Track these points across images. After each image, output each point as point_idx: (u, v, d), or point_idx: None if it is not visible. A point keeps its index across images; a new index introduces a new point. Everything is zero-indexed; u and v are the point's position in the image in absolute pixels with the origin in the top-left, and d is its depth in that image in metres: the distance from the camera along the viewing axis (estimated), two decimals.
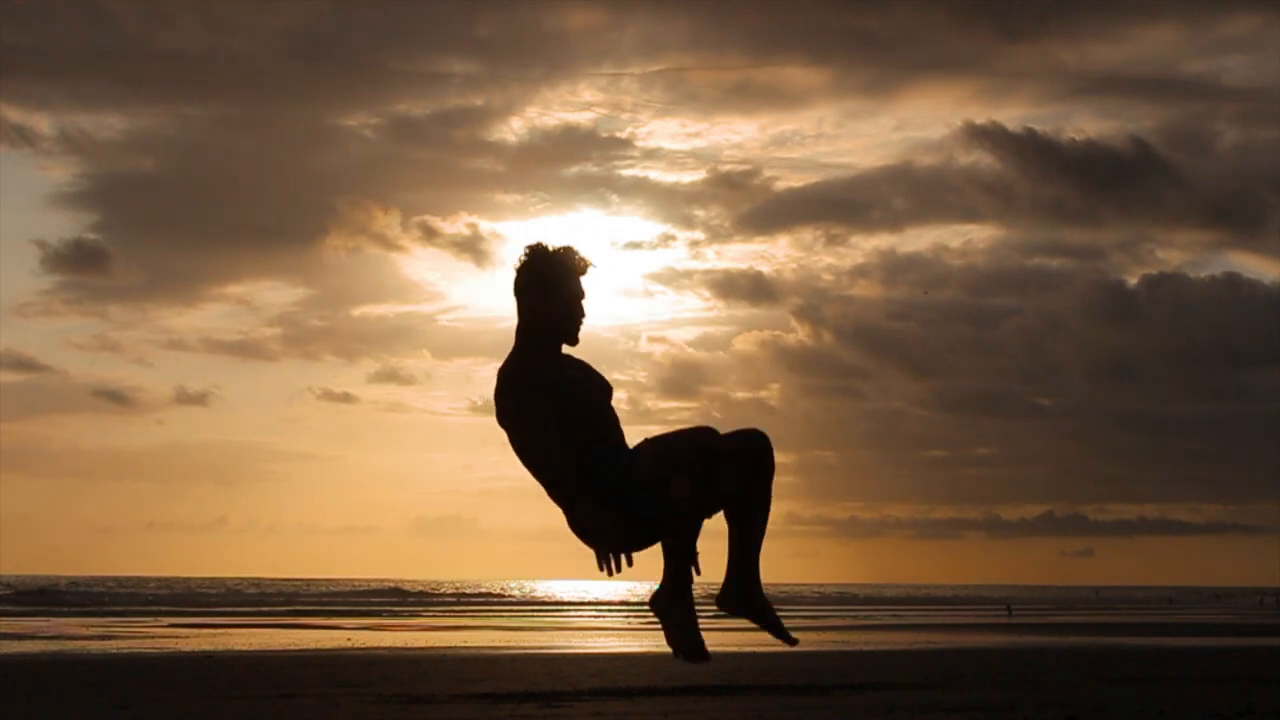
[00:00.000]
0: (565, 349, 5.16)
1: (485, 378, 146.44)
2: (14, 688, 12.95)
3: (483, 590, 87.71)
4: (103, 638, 26.00)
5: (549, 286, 5.07)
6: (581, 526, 4.96)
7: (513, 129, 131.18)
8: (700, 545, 5.03)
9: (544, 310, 5.09)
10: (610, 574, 4.91)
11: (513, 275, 5.13)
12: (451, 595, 74.03)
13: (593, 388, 5.12)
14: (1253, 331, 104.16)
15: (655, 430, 5.19)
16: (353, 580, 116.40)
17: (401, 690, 12.17)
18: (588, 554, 5.04)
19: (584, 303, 5.13)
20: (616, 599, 67.15)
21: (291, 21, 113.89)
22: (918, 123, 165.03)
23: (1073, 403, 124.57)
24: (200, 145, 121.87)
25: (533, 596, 78.50)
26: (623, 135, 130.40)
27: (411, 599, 66.15)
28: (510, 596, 75.60)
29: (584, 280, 5.12)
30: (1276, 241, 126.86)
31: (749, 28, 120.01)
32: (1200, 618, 47.87)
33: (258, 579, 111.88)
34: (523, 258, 5.11)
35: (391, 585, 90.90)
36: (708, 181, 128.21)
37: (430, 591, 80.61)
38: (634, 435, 5.26)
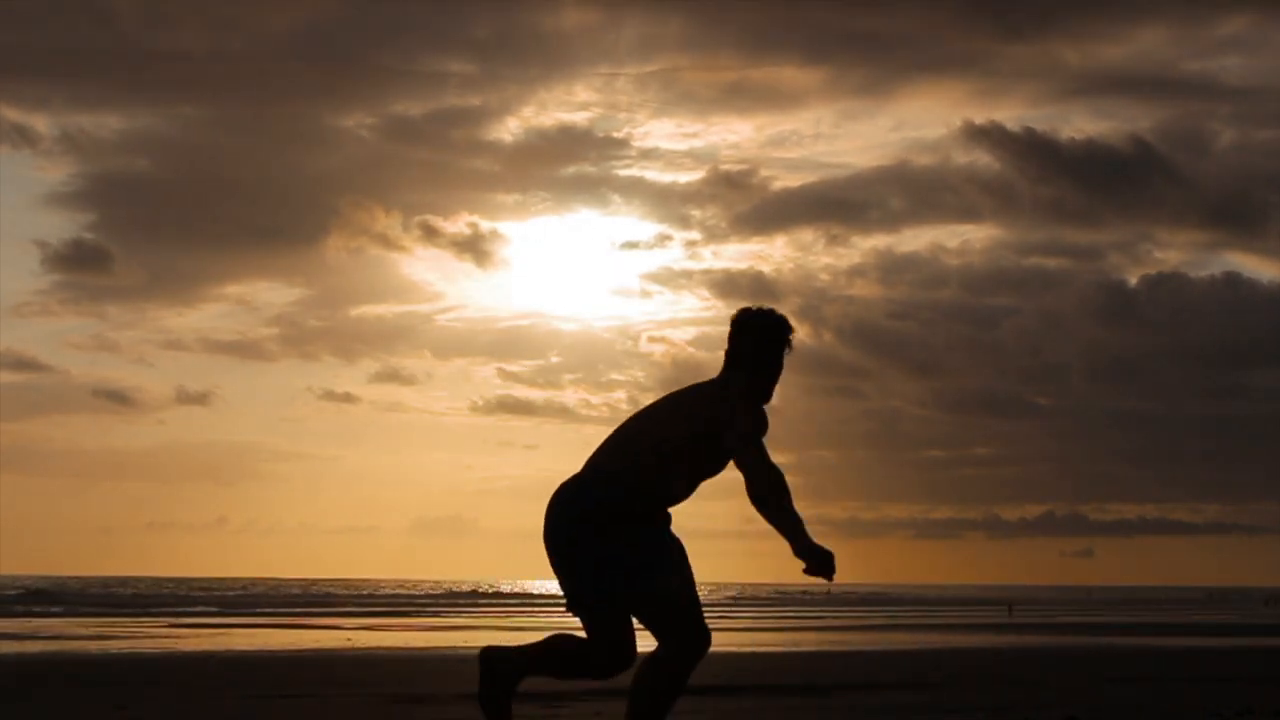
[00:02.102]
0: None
1: (485, 377, 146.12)
2: (14, 688, 12.94)
3: (483, 590, 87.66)
4: (102, 638, 25.97)
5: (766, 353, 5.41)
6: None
7: (509, 129, 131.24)
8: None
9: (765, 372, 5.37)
10: None
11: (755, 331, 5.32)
12: (452, 595, 74.02)
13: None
14: (1252, 331, 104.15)
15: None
16: (353, 580, 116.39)
17: (401, 690, 12.16)
18: None
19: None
20: None
21: (291, 21, 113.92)
22: (915, 122, 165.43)
23: (1072, 402, 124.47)
24: (199, 145, 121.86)
25: (532, 596, 78.48)
26: (619, 135, 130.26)
27: (411, 599, 66.13)
28: (510, 596, 75.56)
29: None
30: (1275, 241, 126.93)
31: (745, 27, 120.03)
32: (1202, 618, 47.86)
33: (257, 579, 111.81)
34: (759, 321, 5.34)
35: (394, 585, 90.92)
36: (705, 181, 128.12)
37: (430, 591, 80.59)
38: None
